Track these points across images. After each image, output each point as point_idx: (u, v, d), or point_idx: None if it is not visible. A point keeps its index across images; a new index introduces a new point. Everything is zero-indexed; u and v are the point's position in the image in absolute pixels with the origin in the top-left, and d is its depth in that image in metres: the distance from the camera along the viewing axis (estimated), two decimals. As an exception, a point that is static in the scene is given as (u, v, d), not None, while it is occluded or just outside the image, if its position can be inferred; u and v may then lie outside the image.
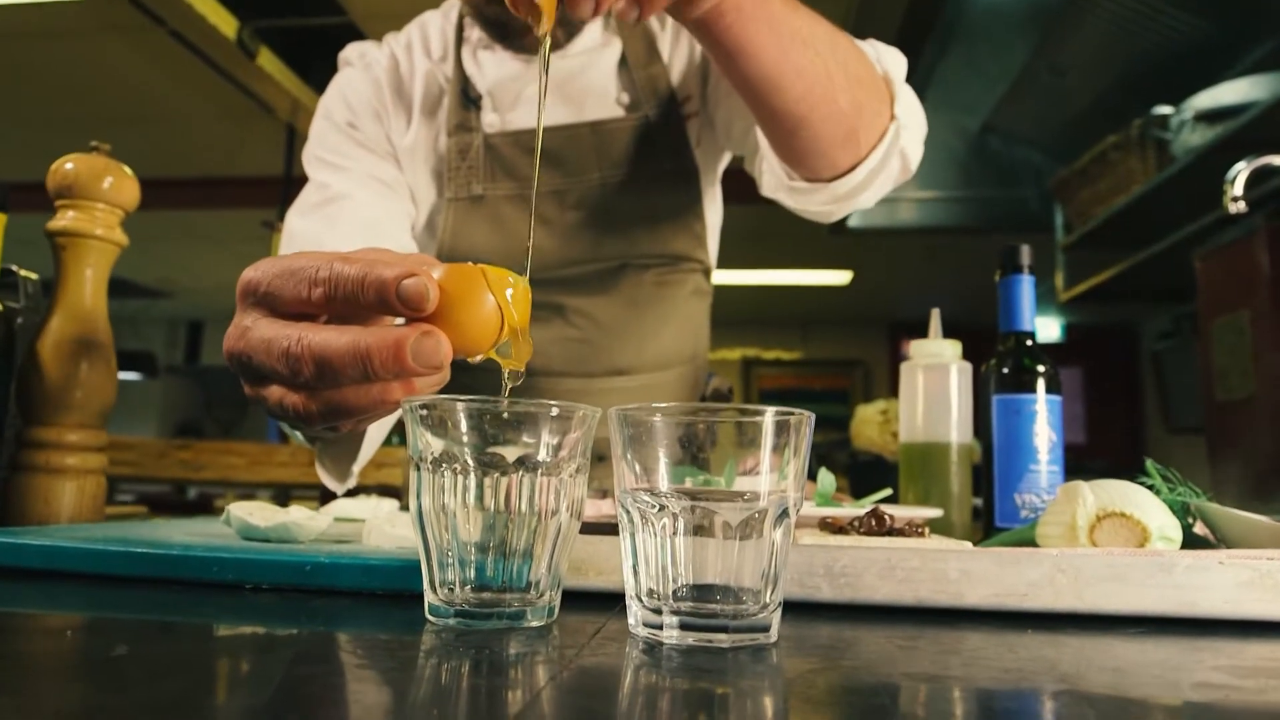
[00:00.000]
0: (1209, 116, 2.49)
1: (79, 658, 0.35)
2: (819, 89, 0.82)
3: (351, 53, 1.14)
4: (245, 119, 4.07)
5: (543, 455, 0.43)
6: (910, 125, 0.94)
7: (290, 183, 3.88)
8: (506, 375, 0.48)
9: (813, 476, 0.84)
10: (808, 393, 7.65)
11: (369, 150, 1.08)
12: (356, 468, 0.89)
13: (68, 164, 0.83)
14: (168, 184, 4.56)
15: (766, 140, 0.93)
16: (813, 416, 0.41)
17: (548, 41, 0.59)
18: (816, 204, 0.96)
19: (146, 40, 3.43)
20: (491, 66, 1.10)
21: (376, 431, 0.87)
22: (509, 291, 0.47)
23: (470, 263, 0.48)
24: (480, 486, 0.42)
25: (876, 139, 0.91)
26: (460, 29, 1.12)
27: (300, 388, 0.46)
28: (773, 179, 0.99)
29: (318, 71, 3.46)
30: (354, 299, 0.45)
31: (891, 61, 0.95)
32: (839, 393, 7.61)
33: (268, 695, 0.31)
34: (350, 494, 0.92)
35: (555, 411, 0.43)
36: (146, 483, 4.21)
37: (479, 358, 0.50)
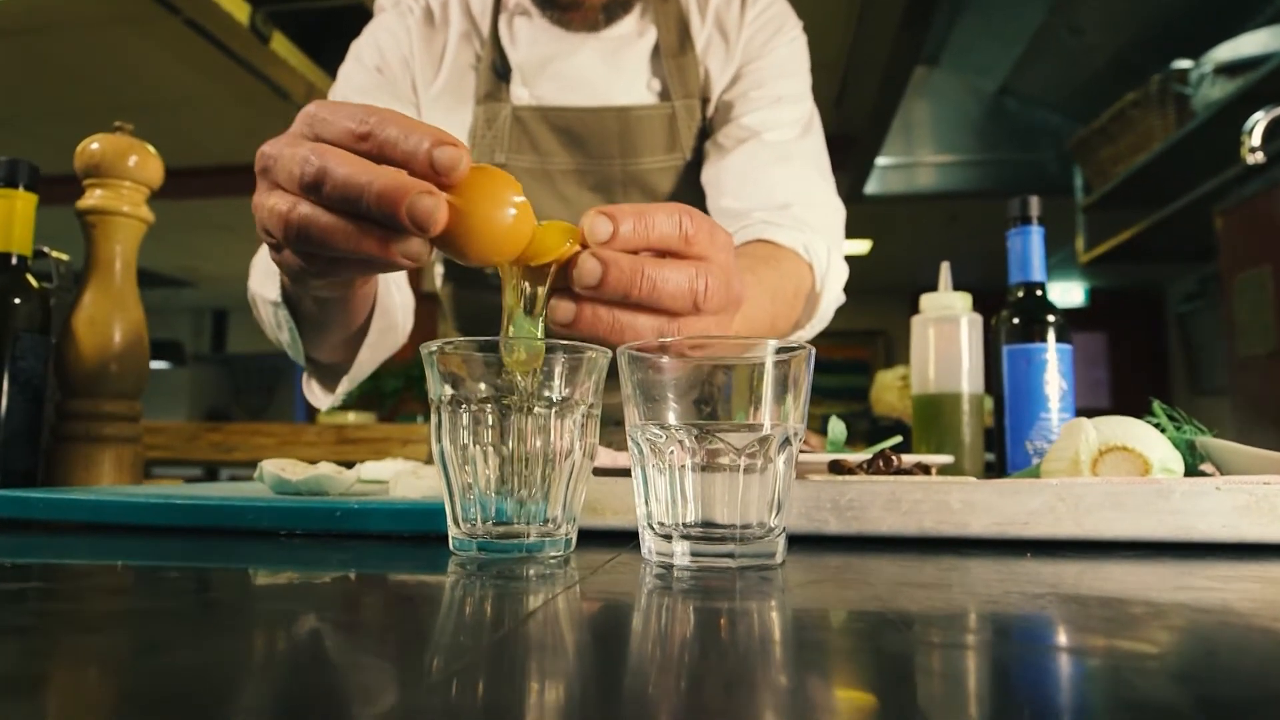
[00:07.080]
0: (1229, 69, 2.45)
1: (125, 605, 0.38)
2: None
3: None
4: (260, 105, 4.10)
5: (555, 396, 0.45)
6: (818, 322, 1.08)
7: (308, 167, 3.90)
8: (517, 377, 0.45)
9: (823, 430, 0.86)
10: (827, 365, 7.60)
11: (393, 95, 1.09)
12: (343, 387, 0.94)
13: (93, 144, 0.86)
14: (185, 173, 4.61)
15: None
16: (813, 350, 0.43)
17: None
18: None
19: (160, 29, 3.46)
20: (525, 39, 1.11)
21: (367, 355, 0.91)
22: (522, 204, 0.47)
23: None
24: (496, 427, 0.44)
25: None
26: None
27: (302, 193, 0.47)
28: None
29: (331, 54, 3.48)
30: (393, 147, 0.46)
31: (835, 277, 1.05)
32: (859, 364, 7.59)
33: (311, 619, 0.33)
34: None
35: (565, 354, 0.45)
36: (179, 465, 4.28)
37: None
